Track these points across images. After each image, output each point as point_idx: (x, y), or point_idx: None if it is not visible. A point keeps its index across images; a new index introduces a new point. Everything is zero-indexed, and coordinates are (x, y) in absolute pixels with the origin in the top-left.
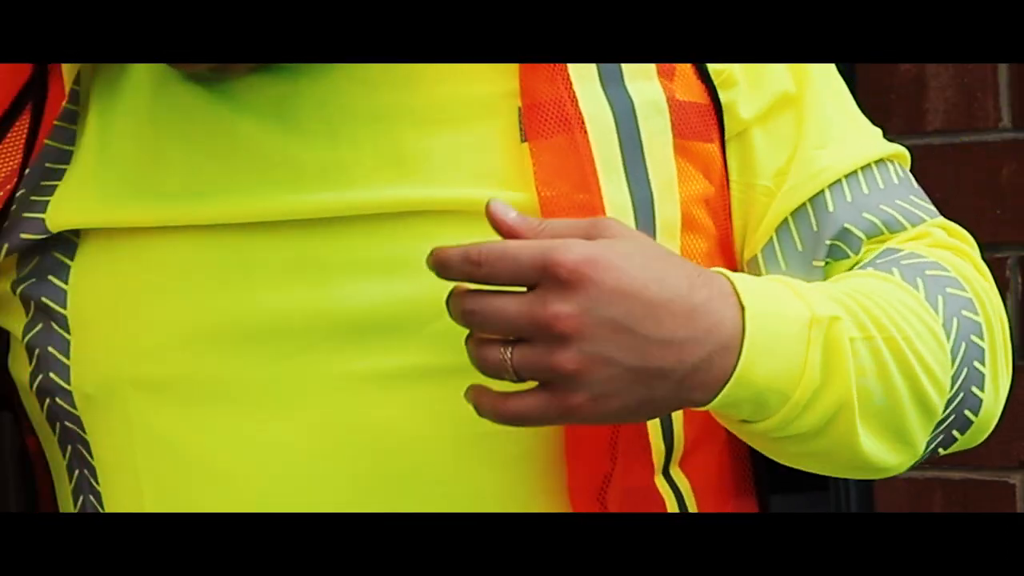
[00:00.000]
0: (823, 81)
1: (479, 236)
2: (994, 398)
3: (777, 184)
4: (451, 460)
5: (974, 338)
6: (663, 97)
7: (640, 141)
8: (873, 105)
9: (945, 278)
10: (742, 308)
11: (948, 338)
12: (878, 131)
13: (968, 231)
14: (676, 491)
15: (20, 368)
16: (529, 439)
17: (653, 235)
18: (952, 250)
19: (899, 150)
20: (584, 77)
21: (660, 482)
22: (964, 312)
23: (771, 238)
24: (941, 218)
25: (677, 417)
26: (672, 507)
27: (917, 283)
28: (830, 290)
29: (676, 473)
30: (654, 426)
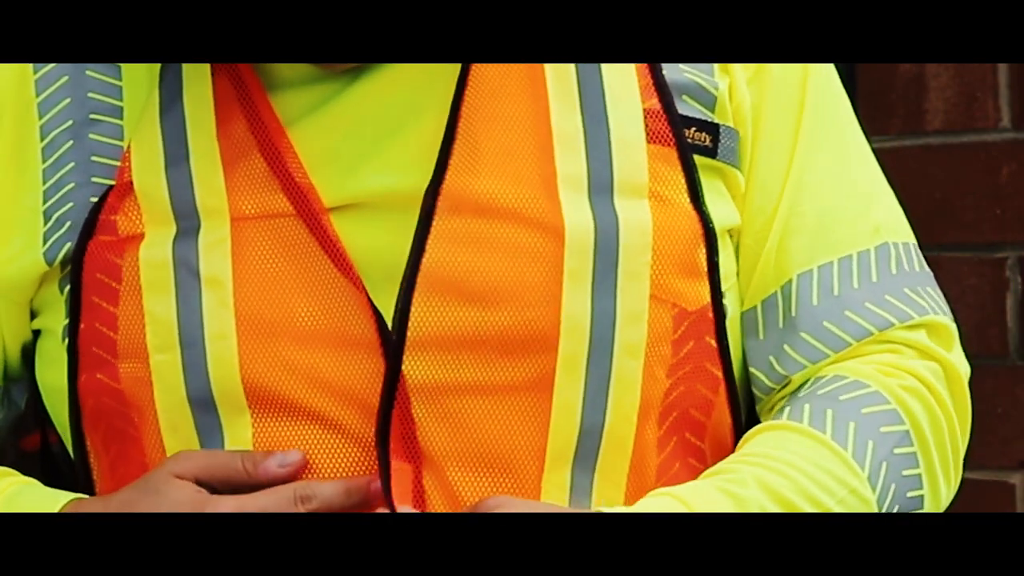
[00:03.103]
0: (828, 131)
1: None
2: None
3: (759, 240)
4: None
5: (905, 473)
6: (649, 219)
7: (617, 259)
8: (873, 105)
9: (880, 414)
10: None
11: (874, 490)
12: (886, 194)
13: (968, 231)
14: None
15: (55, 371)
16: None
17: (610, 356)
18: (911, 352)
19: (902, 228)
20: (571, 186)
21: None
22: (896, 450)
23: (755, 307)
24: (929, 315)
25: None
26: None
27: (848, 432)
28: (727, 484)
29: None
30: None
